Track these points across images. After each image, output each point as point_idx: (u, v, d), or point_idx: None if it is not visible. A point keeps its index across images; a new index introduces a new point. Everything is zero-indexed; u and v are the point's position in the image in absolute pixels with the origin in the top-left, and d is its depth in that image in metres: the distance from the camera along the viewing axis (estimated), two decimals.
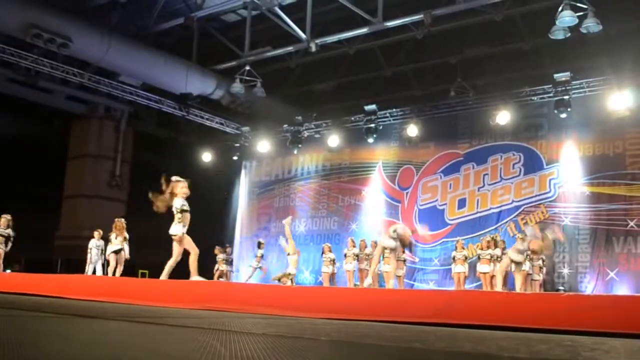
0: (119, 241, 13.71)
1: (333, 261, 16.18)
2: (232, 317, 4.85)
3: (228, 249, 18.64)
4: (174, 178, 9.07)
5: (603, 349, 2.67)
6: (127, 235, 13.92)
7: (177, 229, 8.80)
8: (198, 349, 2.50)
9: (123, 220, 14.15)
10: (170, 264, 8.87)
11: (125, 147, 20.89)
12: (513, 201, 16.09)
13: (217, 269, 17.73)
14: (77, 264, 15.65)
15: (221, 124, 19.87)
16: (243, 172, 21.44)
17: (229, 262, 18.39)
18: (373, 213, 18.36)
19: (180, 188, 8.95)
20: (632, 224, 14.14)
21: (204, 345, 2.63)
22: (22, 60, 15.67)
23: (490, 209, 16.38)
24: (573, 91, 15.02)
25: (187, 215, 8.91)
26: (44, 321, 3.88)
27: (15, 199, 17.14)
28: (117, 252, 13.67)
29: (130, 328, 3.64)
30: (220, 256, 17.98)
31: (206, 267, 18.54)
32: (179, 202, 8.89)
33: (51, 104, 19.38)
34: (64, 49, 15.03)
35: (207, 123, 19.50)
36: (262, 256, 17.14)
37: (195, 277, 8.76)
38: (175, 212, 8.89)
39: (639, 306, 3.86)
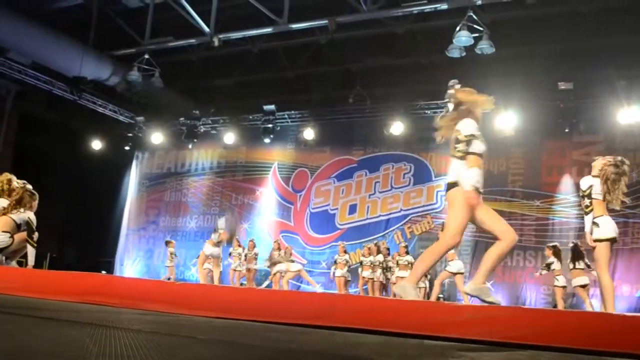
0: None
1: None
2: (111, 312, 4.68)
3: None
4: (28, 186, 7.95)
5: (469, 356, 2.78)
6: None
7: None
8: (64, 343, 2.39)
9: None
10: None
11: (9, 128, 19.72)
12: (401, 210, 16.59)
13: None
14: None
15: (114, 111, 19.18)
16: (134, 162, 20.86)
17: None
18: (266, 213, 18.37)
19: (34, 202, 7.88)
20: None
21: (72, 340, 2.51)
22: None
23: (380, 216, 16.81)
24: None
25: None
26: None
27: None
28: None
29: None
30: None
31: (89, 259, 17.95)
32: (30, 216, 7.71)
33: None
34: None
35: (100, 110, 18.76)
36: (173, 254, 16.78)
37: None
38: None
39: (505, 316, 4.06)
